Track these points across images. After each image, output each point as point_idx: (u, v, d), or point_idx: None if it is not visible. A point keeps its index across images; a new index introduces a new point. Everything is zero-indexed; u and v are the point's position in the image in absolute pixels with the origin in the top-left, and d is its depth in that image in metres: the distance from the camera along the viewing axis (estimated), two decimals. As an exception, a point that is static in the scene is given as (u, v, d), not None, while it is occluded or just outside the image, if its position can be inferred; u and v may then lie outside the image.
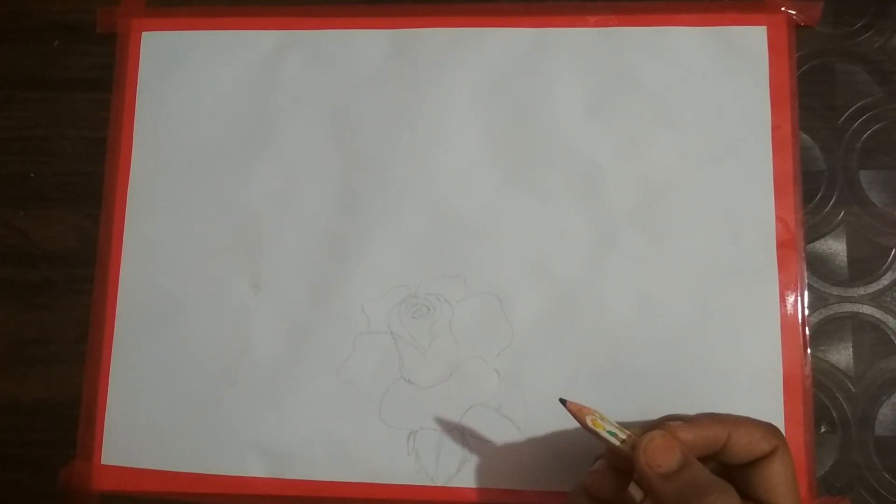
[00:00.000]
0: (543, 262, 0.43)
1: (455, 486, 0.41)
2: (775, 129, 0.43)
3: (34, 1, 0.47)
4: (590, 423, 0.33)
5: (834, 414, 0.42)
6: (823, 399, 0.42)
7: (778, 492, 0.33)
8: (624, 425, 0.33)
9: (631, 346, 0.42)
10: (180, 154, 0.45)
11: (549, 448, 0.41)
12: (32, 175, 0.46)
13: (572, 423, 0.41)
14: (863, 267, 0.43)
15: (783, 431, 0.40)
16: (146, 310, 0.44)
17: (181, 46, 0.46)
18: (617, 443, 0.32)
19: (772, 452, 0.33)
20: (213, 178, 0.45)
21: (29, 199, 0.46)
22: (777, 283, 0.42)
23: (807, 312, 0.42)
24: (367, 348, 0.43)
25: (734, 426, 0.33)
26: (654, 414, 0.41)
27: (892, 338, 0.42)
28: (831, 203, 0.43)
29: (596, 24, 0.45)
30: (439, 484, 0.41)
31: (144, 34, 0.46)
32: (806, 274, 0.42)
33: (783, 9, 0.44)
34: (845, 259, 0.43)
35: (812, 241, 0.43)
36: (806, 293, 0.42)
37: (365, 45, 0.45)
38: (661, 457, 0.31)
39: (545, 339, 0.42)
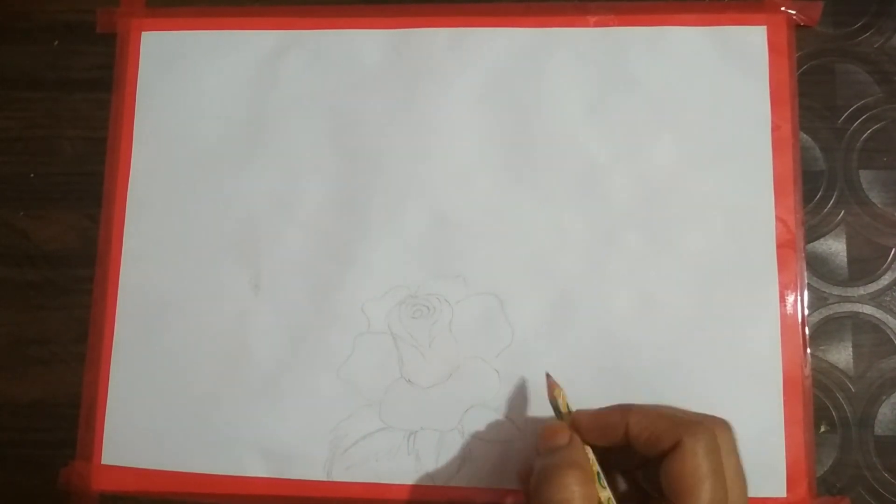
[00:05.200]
0: (543, 262, 0.43)
1: (455, 485, 0.41)
2: (775, 129, 0.43)
3: (34, 1, 0.47)
4: (555, 395, 0.36)
5: (834, 414, 0.42)
6: (823, 399, 0.42)
7: (674, 490, 0.30)
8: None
9: (631, 346, 0.42)
10: (180, 154, 0.45)
11: (549, 448, 0.41)
12: (32, 175, 0.46)
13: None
14: (863, 267, 0.43)
15: (783, 431, 0.40)
16: (146, 310, 0.44)
17: (181, 46, 0.46)
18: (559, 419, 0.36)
19: (673, 448, 0.31)
20: (213, 178, 0.45)
21: (29, 199, 0.46)
22: (777, 282, 0.42)
23: (806, 312, 0.42)
24: (367, 348, 0.43)
25: (635, 415, 0.32)
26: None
27: (892, 338, 0.42)
28: (831, 203, 0.43)
29: (596, 24, 0.45)
30: (439, 484, 0.41)
31: (144, 34, 0.46)
32: (806, 274, 0.42)
33: (783, 9, 0.44)
34: (845, 259, 0.43)
35: (812, 241, 0.43)
36: (806, 293, 0.42)
37: (365, 45, 0.45)
38: (549, 437, 0.34)
39: (545, 339, 0.42)
